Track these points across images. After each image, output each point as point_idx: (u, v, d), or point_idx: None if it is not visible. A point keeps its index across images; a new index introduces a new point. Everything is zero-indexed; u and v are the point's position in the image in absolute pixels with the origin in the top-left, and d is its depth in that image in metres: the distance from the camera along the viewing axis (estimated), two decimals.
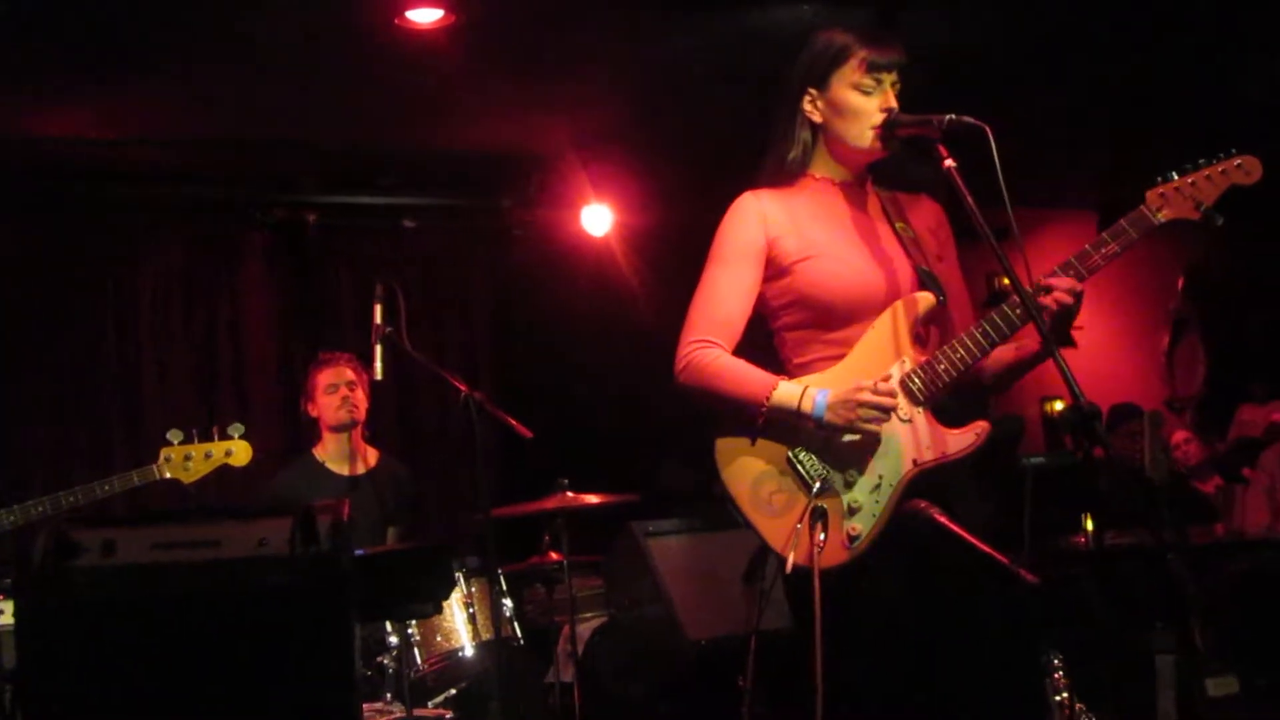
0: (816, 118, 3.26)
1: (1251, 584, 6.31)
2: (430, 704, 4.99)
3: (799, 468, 3.09)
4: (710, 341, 3.18)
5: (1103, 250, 3.04)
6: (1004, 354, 3.21)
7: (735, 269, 3.22)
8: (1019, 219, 2.85)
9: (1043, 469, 5.49)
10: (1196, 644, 5.34)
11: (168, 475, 4.72)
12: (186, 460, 4.73)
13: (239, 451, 4.81)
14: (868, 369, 3.10)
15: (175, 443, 4.72)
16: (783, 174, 3.29)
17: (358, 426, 5.61)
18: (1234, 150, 3.05)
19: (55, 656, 2.43)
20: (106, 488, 4.62)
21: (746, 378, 3.14)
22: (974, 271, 3.52)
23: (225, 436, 4.78)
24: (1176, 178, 3.06)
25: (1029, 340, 3.13)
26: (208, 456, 4.76)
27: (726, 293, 3.22)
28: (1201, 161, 3.06)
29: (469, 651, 5.08)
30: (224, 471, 4.83)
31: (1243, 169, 3.04)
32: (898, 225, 3.27)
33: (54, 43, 5.46)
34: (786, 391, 3.08)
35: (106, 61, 5.71)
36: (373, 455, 5.70)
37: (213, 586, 2.48)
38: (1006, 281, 3.00)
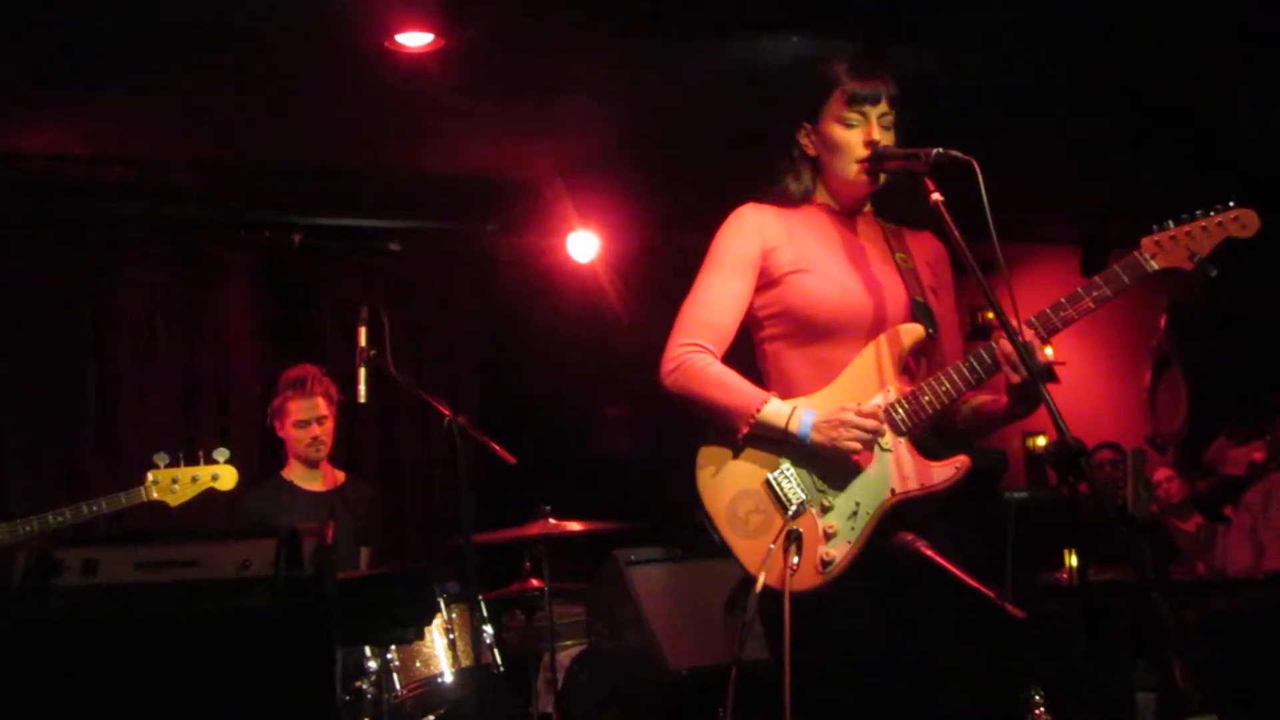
0: (812, 151, 3.28)
1: (1233, 624, 6.31)
2: None
3: (777, 489, 3.09)
4: (702, 346, 3.19)
5: (1094, 293, 3.04)
6: (978, 399, 3.22)
7: (730, 276, 3.23)
8: (1003, 253, 2.86)
9: (1025, 504, 5.50)
10: (1177, 682, 5.33)
11: (155, 497, 4.73)
12: (173, 483, 4.74)
13: (225, 476, 4.83)
14: (854, 395, 3.11)
15: (162, 465, 4.73)
16: (784, 201, 3.30)
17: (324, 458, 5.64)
18: (1231, 202, 3.06)
19: (34, 676, 2.40)
20: (94, 508, 4.63)
21: (738, 389, 3.14)
22: (958, 305, 3.53)
23: (211, 460, 4.80)
24: (1173, 226, 3.06)
25: (1002, 395, 3.13)
26: (194, 480, 4.78)
27: (720, 299, 3.23)
28: (1199, 212, 3.06)
29: (448, 678, 5.05)
30: (207, 495, 4.83)
31: (1239, 222, 3.04)
32: (897, 255, 3.29)
33: (38, 58, 5.44)
34: (775, 409, 3.09)
35: (90, 78, 5.69)
36: (340, 475, 5.73)
37: (194, 607, 2.46)
38: (990, 315, 3.00)
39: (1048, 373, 2.96)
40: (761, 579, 2.96)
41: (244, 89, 5.94)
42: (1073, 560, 5.60)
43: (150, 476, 4.73)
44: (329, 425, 5.58)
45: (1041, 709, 4.35)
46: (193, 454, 4.79)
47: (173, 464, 4.74)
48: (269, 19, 5.19)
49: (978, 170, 2.90)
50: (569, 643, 6.03)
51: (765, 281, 3.23)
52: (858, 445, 3.03)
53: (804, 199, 3.31)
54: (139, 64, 5.58)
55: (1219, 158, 6.78)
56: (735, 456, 3.15)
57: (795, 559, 2.95)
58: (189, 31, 5.31)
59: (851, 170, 3.20)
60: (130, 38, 5.32)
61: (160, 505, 4.76)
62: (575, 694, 5.57)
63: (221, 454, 4.80)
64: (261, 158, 6.94)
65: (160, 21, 5.20)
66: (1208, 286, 3.05)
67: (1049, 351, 3.08)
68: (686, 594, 5.09)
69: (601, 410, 8.15)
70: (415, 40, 5.46)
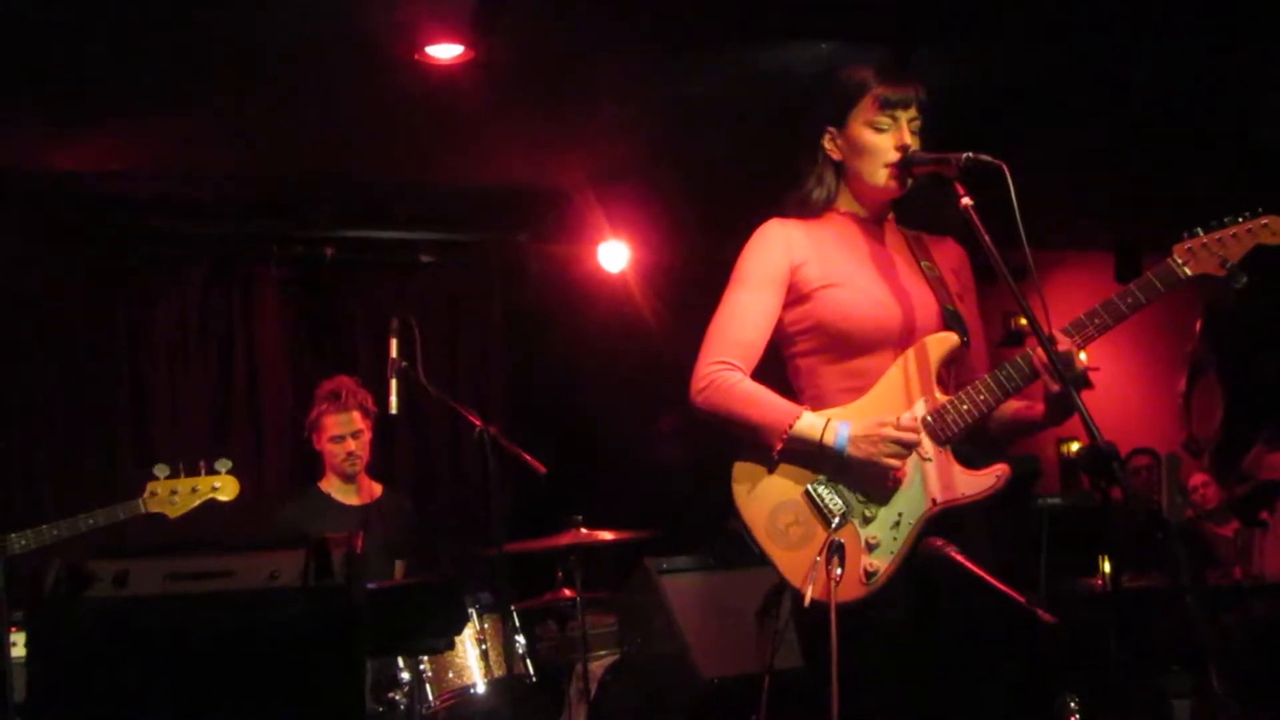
0: (837, 155, 3.27)
1: (1270, 630, 6.26)
2: None
3: (817, 501, 3.08)
4: (731, 364, 3.17)
5: (1129, 300, 3.04)
6: (1012, 407, 3.20)
7: (758, 293, 3.22)
8: (1035, 260, 2.85)
9: (1059, 510, 5.46)
10: (1214, 688, 5.29)
11: (152, 509, 4.71)
12: (172, 494, 4.72)
13: (225, 486, 4.81)
14: (890, 406, 3.10)
15: (161, 477, 4.71)
16: (807, 209, 3.29)
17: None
18: (1261, 209, 3.07)
19: (66, 688, 2.41)
20: (90, 521, 4.62)
21: (770, 404, 3.12)
22: (990, 312, 3.52)
23: (212, 471, 4.78)
24: (1203, 234, 3.06)
25: (1038, 402, 3.12)
26: (194, 491, 4.76)
27: (748, 316, 3.21)
28: (1228, 219, 3.07)
29: (481, 688, 5.05)
30: (236, 505, 4.83)
31: (1269, 229, 3.05)
32: (923, 264, 3.27)
33: (70, 74, 5.48)
34: (809, 423, 3.07)
35: (123, 94, 5.73)
36: (377, 487, 5.72)
37: (224, 618, 2.46)
38: (1023, 322, 2.99)
39: (1082, 380, 2.95)
40: (809, 592, 2.94)
41: (275, 103, 5.97)
42: (1107, 566, 5.57)
43: (149, 489, 4.71)
44: (365, 439, 5.59)
45: (1076, 715, 4.33)
46: (195, 466, 4.78)
47: (173, 475, 4.73)
48: (300, 34, 5.22)
49: (1008, 175, 2.89)
50: (601, 653, 6.02)
51: (795, 297, 3.22)
52: (898, 461, 3.02)
53: (827, 205, 3.30)
54: (174, 80, 5.62)
55: (1251, 164, 6.72)
56: (771, 471, 3.14)
57: (838, 570, 2.94)
58: (222, 48, 5.34)
59: (881, 175, 3.19)
60: (165, 56, 5.36)
61: (161, 518, 4.73)
62: (608, 704, 5.57)
63: (223, 464, 4.78)
64: (292, 171, 6.97)
65: (195, 39, 5.23)
66: (1241, 292, 3.04)
67: (1082, 357, 3.07)
68: (718, 603, 5.08)
69: (632, 419, 8.13)
70: (445, 52, 5.47)
